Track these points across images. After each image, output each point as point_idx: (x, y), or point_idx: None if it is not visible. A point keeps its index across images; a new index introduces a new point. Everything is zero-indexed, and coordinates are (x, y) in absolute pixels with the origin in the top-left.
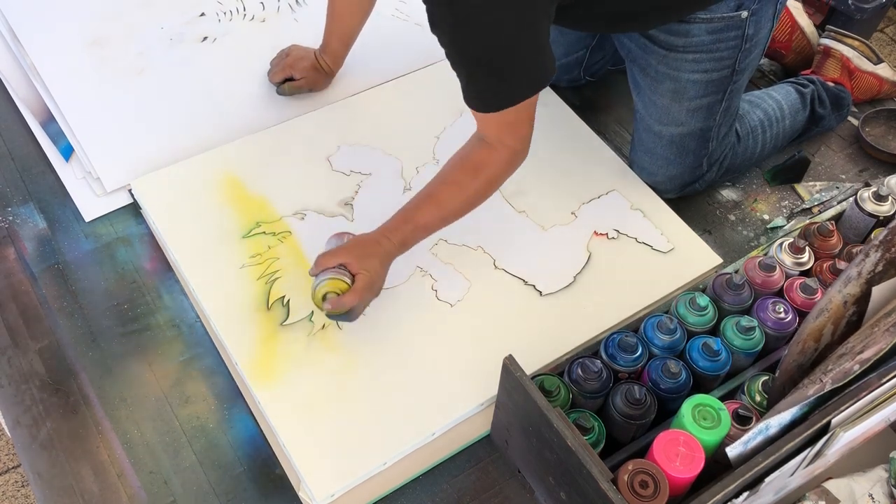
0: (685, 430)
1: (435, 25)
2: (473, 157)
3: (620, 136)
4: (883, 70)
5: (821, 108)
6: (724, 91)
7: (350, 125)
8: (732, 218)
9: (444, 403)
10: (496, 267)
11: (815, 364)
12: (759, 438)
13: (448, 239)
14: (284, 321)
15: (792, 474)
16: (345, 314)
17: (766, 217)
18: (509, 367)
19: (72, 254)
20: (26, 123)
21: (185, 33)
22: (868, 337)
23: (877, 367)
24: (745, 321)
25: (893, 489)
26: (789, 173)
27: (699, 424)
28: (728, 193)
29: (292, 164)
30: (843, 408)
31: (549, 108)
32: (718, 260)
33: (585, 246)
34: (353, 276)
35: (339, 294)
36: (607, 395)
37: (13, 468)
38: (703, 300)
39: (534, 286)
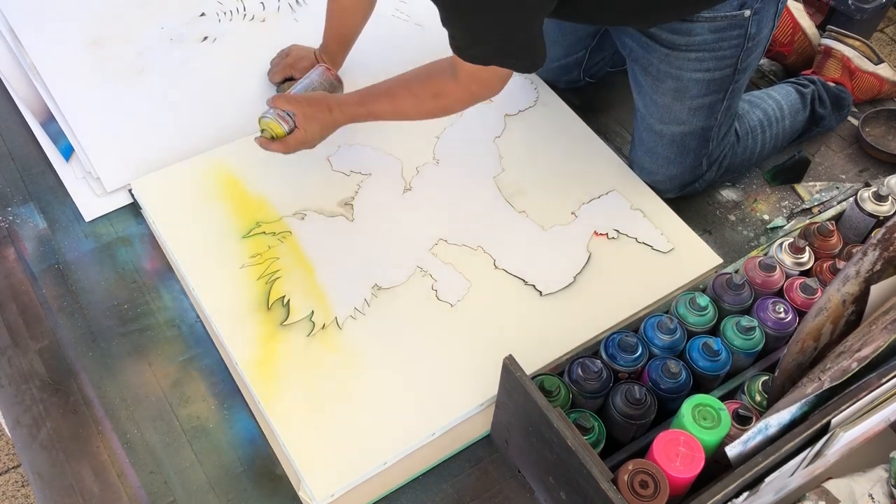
0: (685, 430)
1: None
2: (439, 81)
3: (620, 136)
4: (883, 70)
5: (821, 108)
6: (725, 90)
7: (350, 125)
8: (732, 218)
9: (444, 403)
10: (496, 267)
11: (814, 363)
12: (759, 438)
13: (448, 239)
14: (284, 321)
15: (792, 474)
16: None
17: (766, 217)
18: (509, 367)
19: (72, 254)
20: (26, 123)
21: (185, 33)
22: (866, 335)
23: (876, 367)
24: (745, 321)
25: (893, 489)
26: (789, 173)
27: (699, 424)
28: (728, 193)
29: (292, 164)
30: (843, 408)
31: (549, 108)
32: (718, 260)
33: (585, 246)
34: (295, 127)
35: (273, 137)
36: (607, 395)
37: (13, 468)
38: (703, 300)
39: (534, 286)
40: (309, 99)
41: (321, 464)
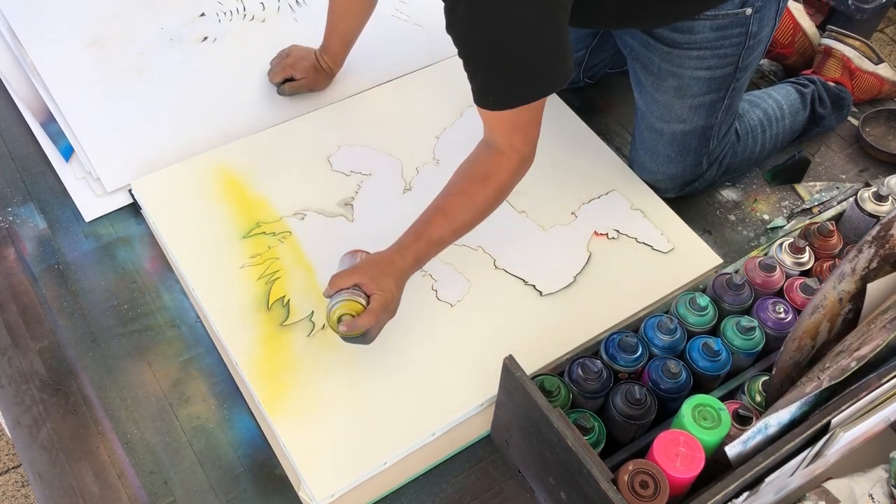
0: (685, 430)
1: (452, 23)
2: (482, 165)
3: (620, 136)
4: (883, 70)
5: (821, 108)
6: (726, 88)
7: (350, 125)
8: (732, 218)
9: (444, 403)
10: (496, 267)
11: (812, 362)
12: (759, 437)
13: None
14: (284, 321)
15: (792, 474)
16: (360, 336)
17: (766, 217)
18: (509, 367)
19: (72, 254)
20: (26, 123)
21: (185, 33)
22: (865, 334)
23: (877, 367)
24: (746, 321)
25: (893, 489)
26: (789, 173)
27: (699, 424)
28: (728, 193)
29: (292, 164)
30: (842, 408)
31: (550, 108)
32: (718, 260)
33: (585, 246)
34: (369, 297)
35: (354, 316)
36: (607, 395)
37: (13, 468)
38: (703, 300)
39: (534, 286)
40: (367, 261)
41: (321, 464)
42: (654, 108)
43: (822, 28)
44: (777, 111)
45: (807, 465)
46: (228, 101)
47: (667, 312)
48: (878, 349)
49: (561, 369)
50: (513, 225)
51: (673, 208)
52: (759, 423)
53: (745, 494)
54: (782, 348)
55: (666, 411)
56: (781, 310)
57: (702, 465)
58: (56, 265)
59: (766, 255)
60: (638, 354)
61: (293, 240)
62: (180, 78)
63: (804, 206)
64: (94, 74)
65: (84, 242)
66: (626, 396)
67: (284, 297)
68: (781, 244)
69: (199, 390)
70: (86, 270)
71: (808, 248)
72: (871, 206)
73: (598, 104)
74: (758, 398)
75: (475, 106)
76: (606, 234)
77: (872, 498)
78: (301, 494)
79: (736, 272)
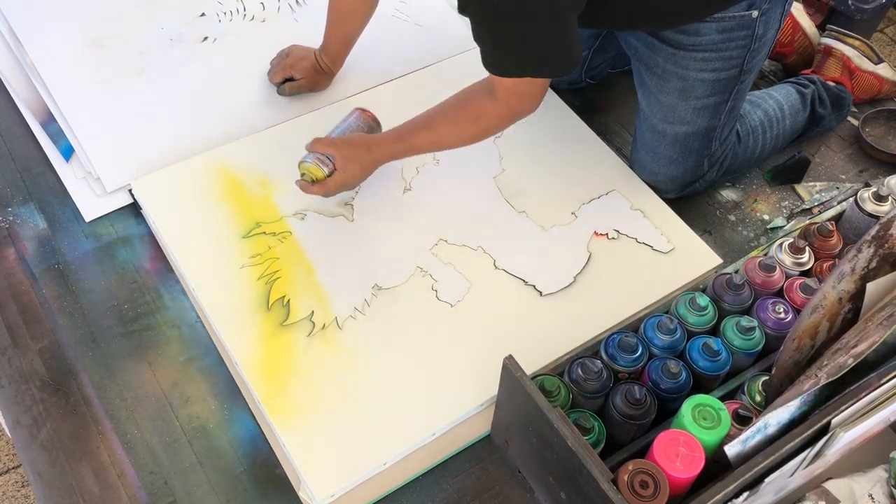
0: (685, 430)
1: (466, 6)
2: (478, 104)
3: (621, 136)
4: (883, 70)
5: (821, 108)
6: (730, 91)
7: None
8: (732, 218)
9: (444, 403)
10: (496, 267)
11: (811, 361)
12: (758, 437)
13: (448, 239)
14: (284, 321)
15: (792, 474)
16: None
17: (766, 217)
18: (509, 368)
19: (72, 254)
20: (26, 123)
21: (185, 33)
22: (862, 331)
23: (876, 367)
24: (745, 321)
25: (893, 489)
26: (789, 173)
27: (699, 424)
28: (728, 194)
29: (292, 164)
30: (842, 408)
31: (550, 109)
32: (718, 260)
33: (585, 246)
34: (335, 170)
35: (313, 180)
36: (607, 396)
37: (13, 468)
38: (703, 300)
39: (534, 286)
40: (347, 141)
41: (321, 464)
42: (658, 110)
43: (822, 28)
44: (778, 112)
45: (807, 466)
46: (228, 101)
47: (667, 312)
48: (875, 346)
49: (561, 369)
50: (513, 225)
51: (673, 208)
52: (758, 423)
53: (745, 494)
54: (782, 348)
55: (666, 411)
56: (781, 310)
57: (702, 465)
58: (56, 265)
59: (765, 255)
60: (638, 354)
61: (293, 240)
62: (180, 78)
63: (804, 207)
64: (94, 74)
65: (84, 242)
66: (626, 396)
67: (284, 297)
68: (781, 244)
69: (199, 390)
70: (86, 270)
71: (807, 248)
72: (870, 207)
73: (599, 104)
74: (758, 398)
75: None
76: (606, 234)
77: (872, 498)
78: (301, 494)
79: (736, 272)
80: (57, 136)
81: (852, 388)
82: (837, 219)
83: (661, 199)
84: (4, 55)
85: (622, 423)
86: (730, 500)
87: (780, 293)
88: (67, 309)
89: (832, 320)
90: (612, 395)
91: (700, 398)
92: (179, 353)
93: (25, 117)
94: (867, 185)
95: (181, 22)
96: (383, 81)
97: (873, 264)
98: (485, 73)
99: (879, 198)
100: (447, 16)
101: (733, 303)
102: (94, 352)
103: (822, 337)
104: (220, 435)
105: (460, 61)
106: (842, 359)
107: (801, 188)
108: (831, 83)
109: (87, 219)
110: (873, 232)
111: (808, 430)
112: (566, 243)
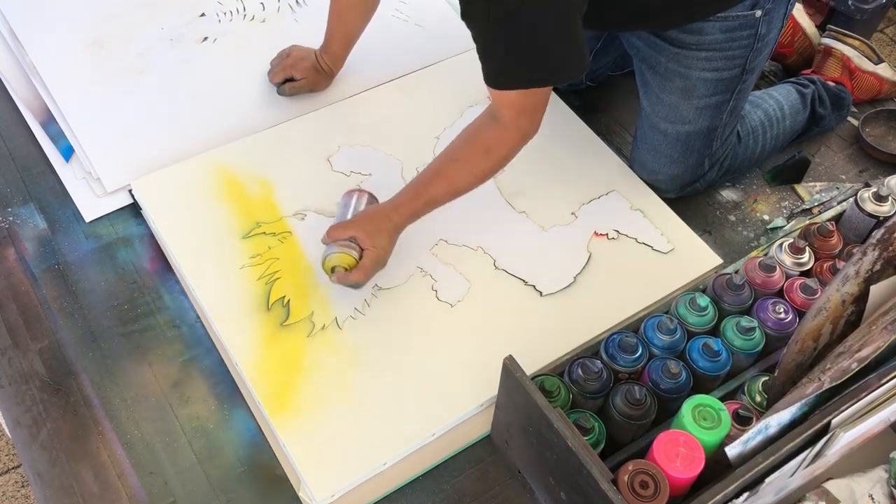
0: (685, 431)
1: (468, 12)
2: (485, 135)
3: (621, 136)
4: (883, 70)
5: (821, 108)
6: (732, 90)
7: (350, 125)
8: (732, 218)
9: (444, 403)
10: (496, 267)
11: (814, 363)
12: (759, 438)
13: (448, 239)
14: (284, 321)
15: (792, 475)
16: (351, 285)
17: (766, 217)
18: (509, 368)
19: (72, 254)
20: (26, 123)
21: (185, 33)
22: (866, 335)
23: (877, 368)
24: (746, 321)
25: (893, 489)
26: (789, 173)
27: (699, 425)
28: (728, 194)
29: (292, 164)
30: (843, 408)
31: (550, 109)
32: (718, 260)
33: (585, 246)
34: (362, 251)
35: (346, 268)
36: (607, 396)
37: (13, 468)
38: (703, 300)
39: (534, 286)
40: (363, 217)
41: (321, 464)
42: (660, 109)
43: (822, 28)
44: (778, 112)
45: (807, 466)
46: (228, 101)
47: (667, 313)
48: (879, 351)
49: (561, 369)
50: (513, 225)
51: (673, 208)
52: (760, 424)
53: (745, 495)
54: (785, 350)
55: (666, 411)
56: (781, 310)
57: (702, 465)
58: (56, 265)
59: (766, 255)
60: (638, 355)
61: (293, 240)
62: (180, 78)
63: (804, 207)
64: (94, 74)
65: (84, 242)
66: (626, 397)
67: (284, 297)
68: (781, 244)
69: (199, 390)
70: (86, 270)
71: (807, 248)
72: (870, 207)
73: (599, 104)
74: (758, 398)
75: (484, 84)
76: (606, 234)
77: (872, 498)
78: (301, 494)
79: (736, 272)
80: (57, 136)
81: (852, 388)
82: (837, 219)
83: (661, 200)
84: (4, 55)
85: (622, 424)
86: (730, 500)
87: (780, 293)
88: (67, 309)
89: (835, 323)
90: (612, 395)
91: (700, 398)
92: (179, 353)
93: (25, 117)
94: (867, 185)
95: (181, 22)
96: (383, 81)
97: (877, 267)
98: (483, 86)
99: (879, 198)
100: (447, 16)
101: (733, 303)
102: (94, 352)
103: (826, 339)
104: (220, 435)
105: (460, 61)
106: (845, 363)
107: (801, 188)
108: (831, 83)
109: (87, 219)
110: (878, 235)
111: (808, 430)
112: (566, 243)
